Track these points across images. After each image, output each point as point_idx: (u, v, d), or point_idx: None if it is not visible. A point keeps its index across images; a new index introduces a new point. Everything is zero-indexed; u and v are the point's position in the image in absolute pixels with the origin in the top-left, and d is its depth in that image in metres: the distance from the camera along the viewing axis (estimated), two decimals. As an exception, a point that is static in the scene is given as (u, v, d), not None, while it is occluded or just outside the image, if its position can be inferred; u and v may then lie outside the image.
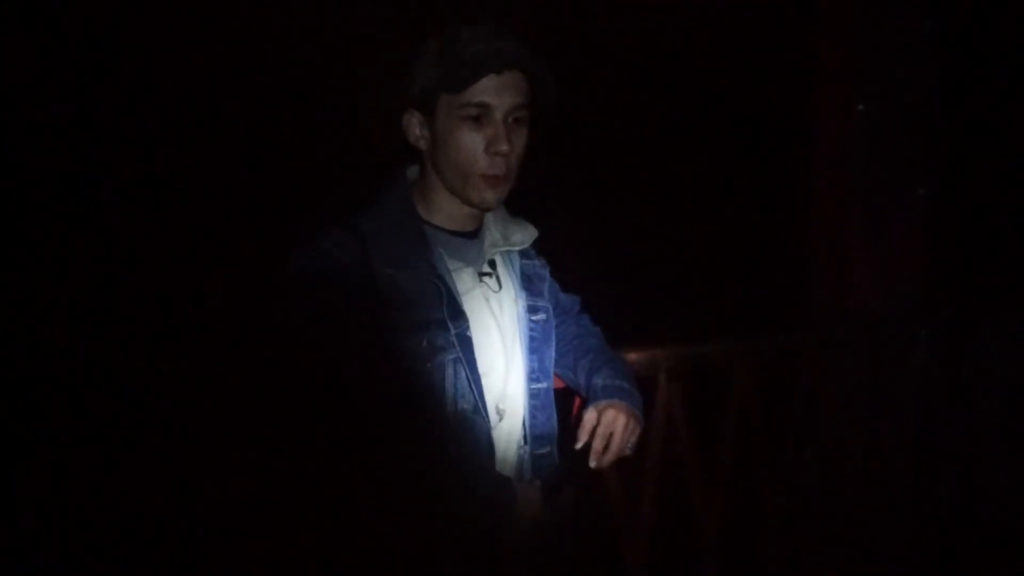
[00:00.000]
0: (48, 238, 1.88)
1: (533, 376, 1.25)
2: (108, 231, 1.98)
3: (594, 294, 1.48)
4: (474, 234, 1.23)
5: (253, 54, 2.17)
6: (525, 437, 1.25)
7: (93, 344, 1.87)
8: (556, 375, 1.35)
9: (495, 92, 1.12)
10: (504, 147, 1.13)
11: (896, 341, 2.15)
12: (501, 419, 1.19)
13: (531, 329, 1.26)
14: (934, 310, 2.08)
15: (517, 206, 1.31)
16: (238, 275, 1.97)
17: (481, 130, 1.13)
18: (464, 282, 1.19)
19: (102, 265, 1.93)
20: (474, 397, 1.14)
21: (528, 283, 1.29)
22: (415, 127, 1.18)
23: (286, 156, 2.15)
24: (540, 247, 1.35)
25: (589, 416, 1.26)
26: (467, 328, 1.15)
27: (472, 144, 1.13)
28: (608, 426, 1.25)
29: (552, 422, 1.29)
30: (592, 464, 1.24)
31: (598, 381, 1.32)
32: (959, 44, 1.87)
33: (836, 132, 2.10)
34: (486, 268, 1.23)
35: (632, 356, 1.63)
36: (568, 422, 1.36)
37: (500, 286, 1.24)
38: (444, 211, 1.20)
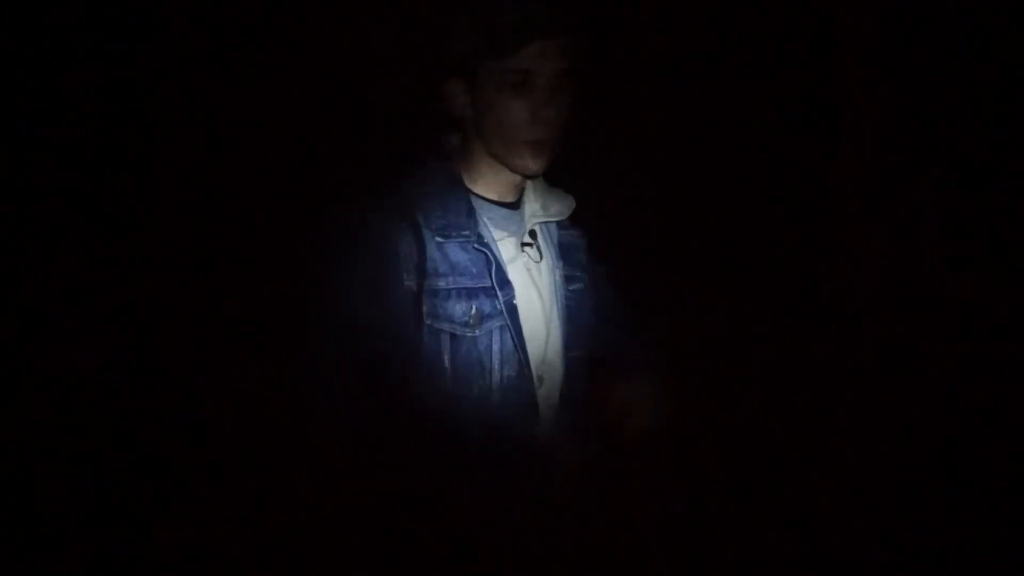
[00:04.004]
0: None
1: (569, 344, 1.27)
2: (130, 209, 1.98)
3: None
4: (515, 205, 1.24)
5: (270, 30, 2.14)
6: (562, 404, 1.26)
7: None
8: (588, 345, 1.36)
9: (539, 58, 1.11)
10: (548, 113, 1.13)
11: (908, 330, 2.16)
12: (541, 385, 1.21)
13: (568, 298, 1.28)
14: (948, 299, 2.10)
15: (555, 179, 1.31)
16: (282, 245, 1.95)
17: (525, 96, 1.12)
18: (508, 252, 1.20)
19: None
20: (519, 363, 1.16)
21: (566, 253, 1.31)
22: (458, 95, 1.17)
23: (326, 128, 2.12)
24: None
25: (616, 390, 1.28)
26: (513, 296, 1.17)
27: (516, 111, 1.13)
28: (634, 401, 1.26)
29: (585, 391, 1.30)
30: (616, 439, 1.25)
31: (627, 355, 1.34)
32: (985, 24, 1.88)
33: (855, 118, 2.12)
34: (527, 238, 1.24)
35: (656, 335, 1.64)
36: (596, 394, 1.37)
37: (541, 256, 1.26)
38: (487, 180, 1.21)
